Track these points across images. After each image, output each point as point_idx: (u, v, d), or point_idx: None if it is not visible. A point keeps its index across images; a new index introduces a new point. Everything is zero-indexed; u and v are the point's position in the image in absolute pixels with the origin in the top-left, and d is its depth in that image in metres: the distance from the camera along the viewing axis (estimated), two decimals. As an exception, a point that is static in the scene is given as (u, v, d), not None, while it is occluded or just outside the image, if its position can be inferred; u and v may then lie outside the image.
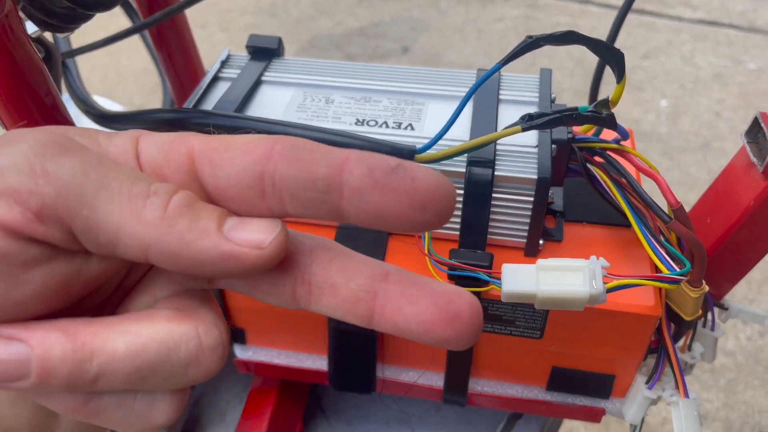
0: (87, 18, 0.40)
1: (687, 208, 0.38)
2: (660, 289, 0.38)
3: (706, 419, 1.11)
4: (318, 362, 0.45)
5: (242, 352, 0.45)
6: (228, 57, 0.46)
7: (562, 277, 0.30)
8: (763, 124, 0.38)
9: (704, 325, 0.44)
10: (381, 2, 2.24)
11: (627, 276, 0.31)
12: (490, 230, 0.38)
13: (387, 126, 0.41)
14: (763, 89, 1.80)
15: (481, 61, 1.93)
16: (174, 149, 0.20)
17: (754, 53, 1.93)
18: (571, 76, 1.80)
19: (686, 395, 0.39)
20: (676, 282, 0.32)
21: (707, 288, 0.37)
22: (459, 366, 0.42)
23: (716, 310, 0.45)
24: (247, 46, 0.46)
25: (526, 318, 0.39)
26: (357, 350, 0.42)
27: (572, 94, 1.75)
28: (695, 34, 2.01)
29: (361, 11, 2.20)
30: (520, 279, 0.30)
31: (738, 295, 1.30)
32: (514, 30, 2.05)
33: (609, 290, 0.30)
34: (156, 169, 0.20)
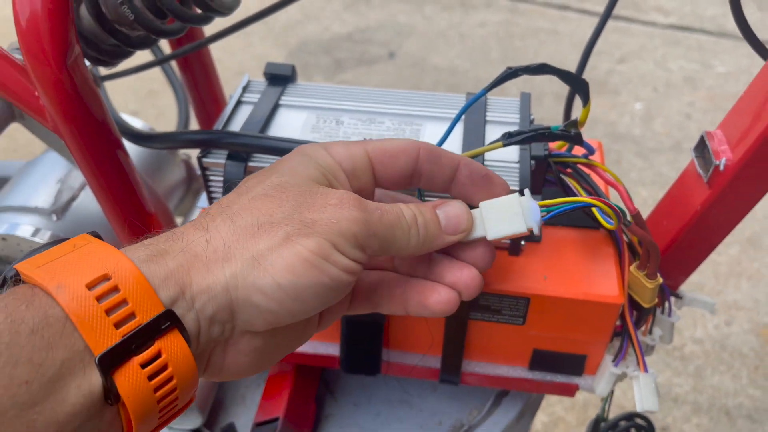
0: (130, 54, 0.46)
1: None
2: (623, 281, 0.45)
3: (677, 402, 1.19)
4: (330, 348, 0.51)
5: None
6: (248, 83, 0.53)
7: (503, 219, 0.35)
8: (707, 142, 0.45)
9: (662, 312, 0.51)
10: (367, 8, 2.30)
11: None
12: (479, 233, 0.45)
13: (390, 144, 0.48)
14: (731, 92, 1.89)
15: (464, 65, 2.00)
16: (356, 155, 0.32)
17: (723, 57, 2.02)
18: (551, 81, 1.88)
19: (645, 370, 0.47)
20: (611, 208, 0.38)
21: (661, 280, 0.44)
22: (453, 349, 0.49)
23: (672, 298, 0.52)
24: (265, 74, 0.53)
25: (511, 308, 0.46)
26: (366, 337, 0.49)
27: (553, 98, 1.83)
28: (667, 39, 2.10)
29: (347, 17, 2.26)
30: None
31: (707, 287, 1.39)
32: (496, 35, 2.13)
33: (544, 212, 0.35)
34: (351, 170, 0.32)
